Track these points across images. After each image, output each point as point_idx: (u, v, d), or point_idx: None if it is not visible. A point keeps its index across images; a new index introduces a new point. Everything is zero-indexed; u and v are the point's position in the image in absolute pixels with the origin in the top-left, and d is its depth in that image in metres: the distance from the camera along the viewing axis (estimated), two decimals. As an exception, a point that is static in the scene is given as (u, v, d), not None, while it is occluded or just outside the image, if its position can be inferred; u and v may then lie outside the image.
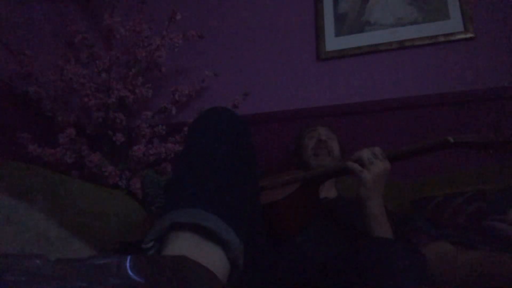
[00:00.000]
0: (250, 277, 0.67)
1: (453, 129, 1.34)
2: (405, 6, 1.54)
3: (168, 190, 0.56)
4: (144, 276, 0.34)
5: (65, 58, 1.48)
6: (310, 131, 1.20)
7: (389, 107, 1.43)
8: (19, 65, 1.44)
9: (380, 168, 0.82)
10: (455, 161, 1.26)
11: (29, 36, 1.58)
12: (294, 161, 1.24)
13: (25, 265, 0.31)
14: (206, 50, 1.75)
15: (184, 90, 1.57)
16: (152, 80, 1.60)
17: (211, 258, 0.45)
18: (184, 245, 0.45)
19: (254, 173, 0.65)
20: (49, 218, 0.83)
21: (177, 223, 0.47)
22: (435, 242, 0.87)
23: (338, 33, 1.59)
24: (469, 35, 1.42)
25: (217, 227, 0.46)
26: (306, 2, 1.69)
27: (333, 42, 1.59)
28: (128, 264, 0.34)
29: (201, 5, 1.83)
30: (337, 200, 1.07)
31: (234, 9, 1.78)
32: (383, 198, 0.83)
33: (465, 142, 0.81)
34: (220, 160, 0.56)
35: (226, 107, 0.67)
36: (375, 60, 1.52)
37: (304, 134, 1.21)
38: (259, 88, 1.62)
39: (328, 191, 1.12)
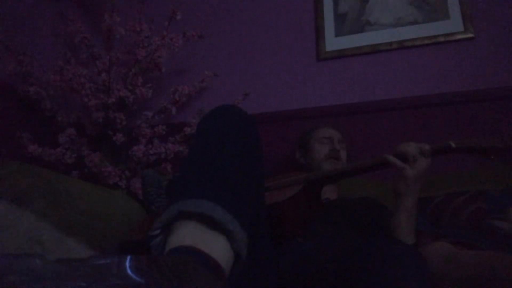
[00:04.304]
0: (252, 276, 0.67)
1: (453, 129, 1.34)
2: (405, 6, 1.54)
3: (176, 182, 0.57)
4: (144, 276, 0.34)
5: (65, 58, 1.48)
6: (322, 135, 1.17)
7: (389, 107, 1.43)
8: (19, 65, 1.44)
9: (423, 166, 0.82)
10: (455, 161, 1.26)
11: (29, 36, 1.58)
12: (298, 160, 1.22)
13: (25, 265, 0.31)
14: (206, 50, 1.75)
15: (184, 90, 1.57)
16: (152, 80, 1.60)
17: (216, 247, 0.46)
18: (190, 233, 0.47)
19: (260, 170, 0.66)
20: (42, 220, 0.83)
21: (184, 212, 0.48)
22: (435, 242, 0.87)
23: (338, 33, 1.59)
24: (469, 35, 1.42)
25: (223, 218, 0.47)
26: (306, 2, 1.69)
27: (333, 42, 1.59)
28: (128, 264, 0.34)
29: (201, 5, 1.83)
30: (339, 201, 1.07)
31: (234, 9, 1.78)
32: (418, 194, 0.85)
33: (466, 147, 0.81)
34: (228, 155, 0.57)
35: (234, 105, 0.68)
36: (375, 60, 1.52)
37: (314, 136, 1.18)
38: (259, 88, 1.62)
39: (330, 192, 1.12)
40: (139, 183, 1.41)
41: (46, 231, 0.82)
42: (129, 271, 0.34)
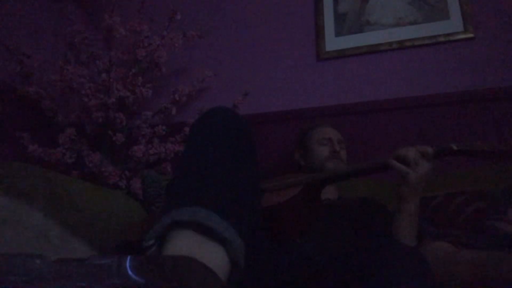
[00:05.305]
0: (250, 278, 0.66)
1: (453, 129, 1.34)
2: (405, 6, 1.54)
3: (169, 189, 0.56)
4: (144, 276, 0.34)
5: (65, 58, 1.48)
6: (321, 135, 1.16)
7: (389, 107, 1.43)
8: (19, 65, 1.44)
9: (426, 169, 0.82)
10: (455, 161, 1.26)
11: (29, 36, 1.58)
12: (298, 161, 1.22)
13: (25, 265, 0.31)
14: (206, 50, 1.75)
15: (184, 90, 1.57)
16: (152, 80, 1.60)
17: (212, 256, 0.45)
18: (185, 243, 0.45)
19: (255, 174, 0.66)
20: (48, 217, 0.83)
21: (178, 221, 0.47)
22: (435, 242, 0.87)
23: (338, 33, 1.59)
24: (469, 35, 1.42)
25: (219, 226, 0.46)
26: (306, 2, 1.69)
27: (333, 42, 1.59)
28: (128, 264, 0.34)
29: (201, 5, 1.83)
30: (338, 202, 1.07)
31: (234, 9, 1.78)
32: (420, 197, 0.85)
33: (468, 150, 0.81)
34: (221, 160, 0.56)
35: (228, 107, 0.67)
36: (375, 60, 1.52)
37: (313, 136, 1.17)
38: (259, 88, 1.62)
39: (330, 192, 1.12)
40: (139, 183, 1.40)
41: (53, 228, 0.82)
42: (129, 271, 0.34)
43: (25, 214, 0.80)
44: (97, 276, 0.33)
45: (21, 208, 0.80)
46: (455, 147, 0.82)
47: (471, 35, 1.42)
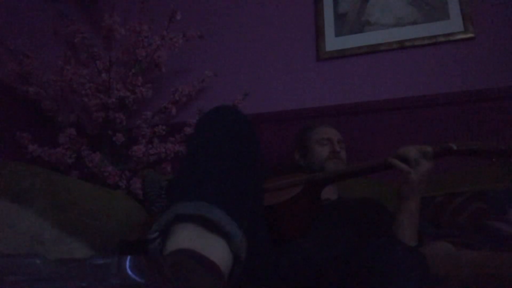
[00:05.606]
0: (251, 277, 0.67)
1: (453, 129, 1.34)
2: (405, 6, 1.54)
3: (173, 185, 0.57)
4: (144, 276, 0.34)
5: (65, 58, 1.48)
6: (321, 135, 1.15)
7: (389, 107, 1.43)
8: (19, 65, 1.44)
9: (426, 168, 0.83)
10: (456, 161, 1.26)
11: (29, 36, 1.58)
12: (297, 161, 1.21)
13: (25, 265, 0.31)
14: (206, 50, 1.75)
15: (184, 90, 1.57)
16: (152, 80, 1.60)
17: (215, 249, 0.46)
18: (188, 236, 0.46)
19: (258, 171, 0.66)
20: (43, 219, 0.82)
21: (182, 215, 0.48)
22: (436, 242, 0.87)
23: (338, 33, 1.59)
24: (469, 35, 1.42)
25: (221, 219, 0.47)
26: (306, 2, 1.68)
27: (333, 42, 1.59)
28: (128, 264, 0.34)
29: (201, 5, 1.83)
30: (339, 202, 1.07)
31: (234, 9, 1.78)
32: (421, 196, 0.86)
33: (468, 150, 0.81)
34: (224, 157, 0.57)
35: (232, 106, 0.68)
36: (375, 60, 1.52)
37: (313, 136, 1.17)
38: (259, 88, 1.62)
39: (330, 192, 1.12)
40: (139, 183, 1.40)
41: (47, 230, 0.82)
42: (129, 271, 0.34)
43: (18, 218, 0.79)
44: (97, 276, 0.33)
45: (14, 212, 0.79)
46: (455, 147, 0.82)
47: (471, 35, 1.42)
